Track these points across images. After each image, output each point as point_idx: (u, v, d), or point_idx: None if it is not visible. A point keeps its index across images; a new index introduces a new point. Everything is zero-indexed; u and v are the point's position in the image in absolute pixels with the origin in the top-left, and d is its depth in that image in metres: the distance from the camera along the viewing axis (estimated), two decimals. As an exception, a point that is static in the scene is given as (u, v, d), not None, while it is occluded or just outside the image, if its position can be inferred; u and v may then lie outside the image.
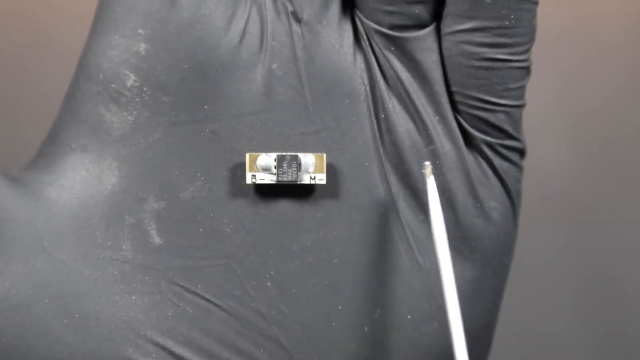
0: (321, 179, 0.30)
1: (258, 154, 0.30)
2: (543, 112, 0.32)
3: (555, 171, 0.57)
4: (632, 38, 0.57)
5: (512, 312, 0.35)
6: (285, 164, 0.30)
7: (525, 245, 0.34)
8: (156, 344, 0.30)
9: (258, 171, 0.30)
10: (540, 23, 0.31)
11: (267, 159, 0.30)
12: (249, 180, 0.30)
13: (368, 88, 0.31)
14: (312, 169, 0.30)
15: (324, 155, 0.31)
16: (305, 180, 0.30)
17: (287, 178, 0.30)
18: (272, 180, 0.30)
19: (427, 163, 0.30)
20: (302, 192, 0.31)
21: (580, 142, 0.58)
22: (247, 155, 0.30)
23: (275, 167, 0.30)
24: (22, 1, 0.56)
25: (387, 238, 0.31)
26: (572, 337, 0.59)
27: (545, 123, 0.55)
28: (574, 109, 0.57)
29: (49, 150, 0.31)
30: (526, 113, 0.32)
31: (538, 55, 0.32)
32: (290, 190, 0.31)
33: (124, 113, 0.30)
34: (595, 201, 0.58)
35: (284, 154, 0.30)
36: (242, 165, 0.31)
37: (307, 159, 0.30)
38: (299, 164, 0.30)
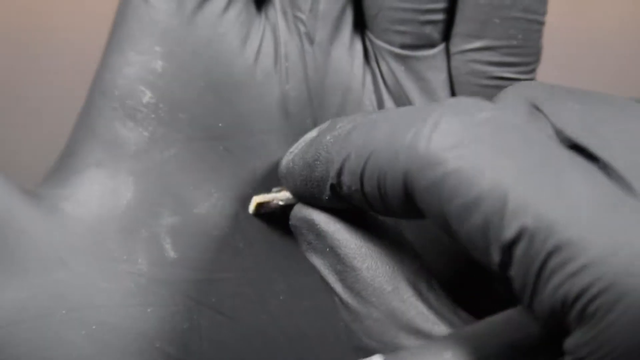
0: None
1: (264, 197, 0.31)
2: None
3: None
4: (631, 35, 0.58)
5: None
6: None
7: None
8: (170, 357, 0.30)
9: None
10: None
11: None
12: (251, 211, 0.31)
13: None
14: None
15: None
16: None
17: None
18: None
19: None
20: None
21: None
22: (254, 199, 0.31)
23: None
24: (23, 2, 0.57)
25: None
26: None
27: None
28: None
29: (64, 165, 0.31)
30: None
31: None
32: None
33: (140, 129, 0.31)
34: None
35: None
36: (253, 183, 0.31)
37: None
38: None
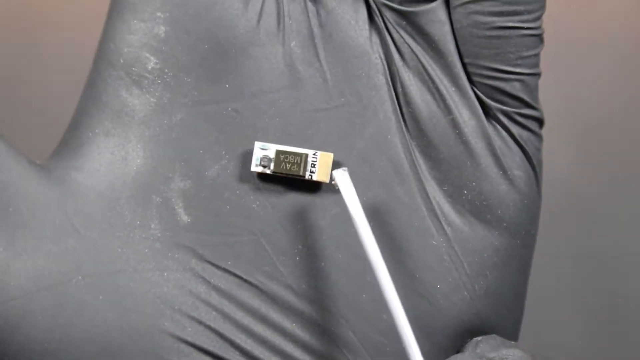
0: (323, 179, 0.31)
1: (264, 145, 0.31)
2: (549, 114, 0.32)
3: (561, 173, 0.57)
4: (628, 31, 0.58)
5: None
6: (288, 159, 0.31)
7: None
8: (191, 318, 0.30)
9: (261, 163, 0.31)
10: (548, 25, 0.31)
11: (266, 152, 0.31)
12: (253, 168, 0.31)
13: (385, 62, 0.31)
14: (316, 168, 0.31)
15: (332, 155, 0.31)
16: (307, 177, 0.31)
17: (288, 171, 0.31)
18: (270, 172, 0.31)
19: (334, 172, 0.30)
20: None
21: (586, 143, 0.58)
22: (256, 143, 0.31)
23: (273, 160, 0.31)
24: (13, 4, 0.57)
25: (413, 209, 0.31)
26: (572, 335, 0.59)
27: (552, 125, 0.55)
28: (580, 111, 0.58)
29: (72, 137, 0.31)
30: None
31: (545, 57, 0.32)
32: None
33: (147, 95, 0.31)
34: (601, 202, 0.58)
35: (290, 150, 0.31)
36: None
37: (313, 158, 0.31)
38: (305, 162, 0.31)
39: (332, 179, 0.30)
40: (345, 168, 0.30)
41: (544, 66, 0.32)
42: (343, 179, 0.30)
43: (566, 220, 0.58)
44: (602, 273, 0.59)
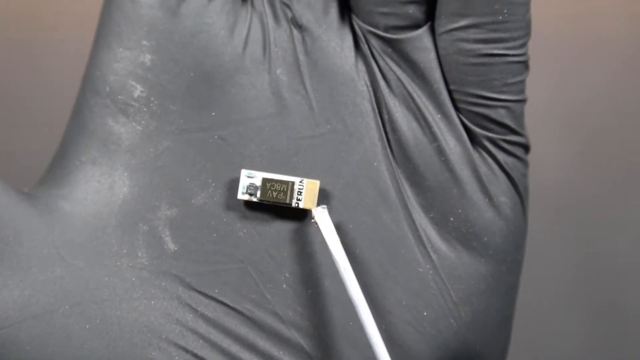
0: (309, 206, 0.31)
1: (251, 172, 0.31)
2: (536, 109, 0.32)
3: (547, 168, 0.58)
4: (626, 32, 0.58)
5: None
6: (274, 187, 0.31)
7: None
8: (179, 346, 0.30)
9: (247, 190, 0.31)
10: (534, 18, 0.32)
11: (254, 180, 0.31)
12: (239, 196, 0.31)
13: (370, 89, 0.32)
14: (303, 195, 0.31)
15: (318, 182, 0.31)
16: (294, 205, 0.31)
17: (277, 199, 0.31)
18: (257, 199, 0.31)
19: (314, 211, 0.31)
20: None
21: (572, 137, 0.58)
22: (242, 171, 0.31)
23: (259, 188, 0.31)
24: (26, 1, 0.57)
25: (399, 237, 0.31)
26: (572, 341, 0.59)
27: (538, 119, 0.55)
28: (566, 105, 0.58)
29: (58, 165, 0.31)
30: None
31: (532, 51, 0.32)
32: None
33: (133, 123, 0.31)
34: (602, 207, 0.58)
35: (274, 178, 0.31)
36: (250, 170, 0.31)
37: (299, 186, 0.31)
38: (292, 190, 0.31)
39: (311, 217, 0.30)
40: (325, 206, 0.31)
41: (546, 71, 0.32)
42: (322, 217, 0.30)
43: (566, 225, 0.58)
44: (603, 278, 0.59)
